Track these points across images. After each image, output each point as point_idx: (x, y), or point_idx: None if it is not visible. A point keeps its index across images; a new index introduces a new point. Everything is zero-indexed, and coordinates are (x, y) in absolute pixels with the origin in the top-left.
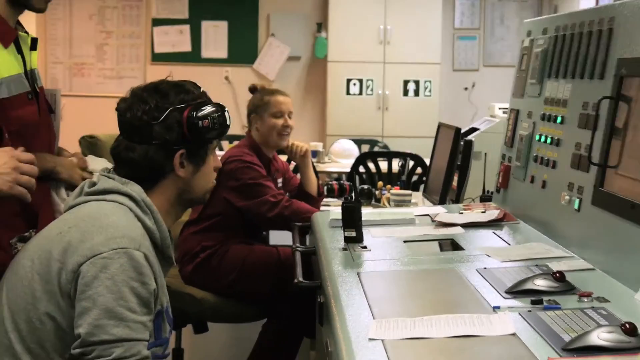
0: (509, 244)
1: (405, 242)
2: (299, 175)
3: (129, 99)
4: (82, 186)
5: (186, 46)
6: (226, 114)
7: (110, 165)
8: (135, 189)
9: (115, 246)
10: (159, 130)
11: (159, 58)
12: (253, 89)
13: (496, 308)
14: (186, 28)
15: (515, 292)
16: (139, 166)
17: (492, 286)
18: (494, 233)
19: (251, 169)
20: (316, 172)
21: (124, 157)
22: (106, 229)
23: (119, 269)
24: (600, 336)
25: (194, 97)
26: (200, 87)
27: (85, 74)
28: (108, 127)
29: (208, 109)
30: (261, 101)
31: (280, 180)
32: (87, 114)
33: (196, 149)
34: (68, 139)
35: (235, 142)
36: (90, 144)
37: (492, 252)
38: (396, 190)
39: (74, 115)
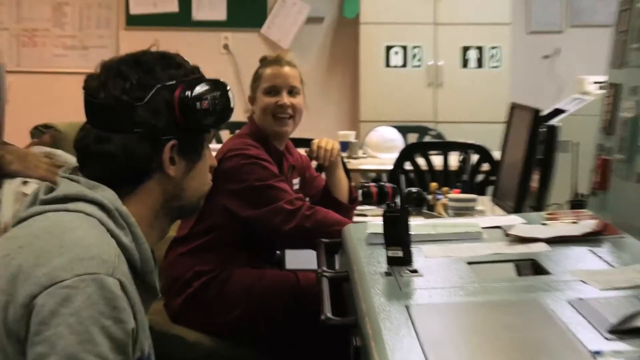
0: (612, 266)
1: (469, 264)
2: (324, 175)
3: (101, 74)
4: (37, 192)
5: (172, 5)
6: (229, 93)
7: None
8: (106, 194)
9: (81, 271)
10: (143, 113)
11: (135, 22)
12: (262, 60)
13: (596, 353)
14: None
15: (621, 331)
16: (116, 162)
17: (590, 323)
18: (590, 251)
19: (258, 166)
20: (347, 171)
21: (94, 151)
22: (69, 248)
23: (86, 301)
24: None
25: (186, 73)
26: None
27: (39, 44)
28: (69, 114)
29: (206, 86)
30: (255, 75)
31: (296, 180)
32: (42, 97)
33: (190, 140)
34: (16, 130)
35: (237, 132)
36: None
37: (589, 276)
38: (455, 194)
39: (24, 98)
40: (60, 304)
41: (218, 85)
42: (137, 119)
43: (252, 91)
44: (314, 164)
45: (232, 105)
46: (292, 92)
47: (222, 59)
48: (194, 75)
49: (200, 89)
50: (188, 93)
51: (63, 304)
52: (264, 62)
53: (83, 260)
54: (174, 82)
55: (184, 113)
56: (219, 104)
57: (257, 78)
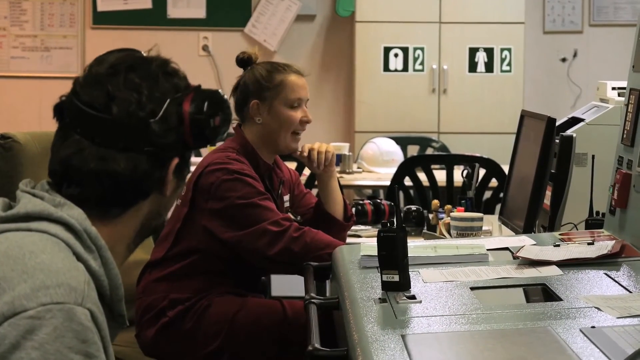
0: (630, 291)
1: (473, 289)
2: (315, 191)
3: (102, 84)
4: None
5: (145, 1)
6: (231, 105)
7: None
8: (73, 213)
9: (47, 300)
10: (155, 131)
11: (103, 19)
12: (245, 60)
13: None
14: None
15: None
16: (119, 183)
17: (604, 353)
18: (606, 275)
19: (241, 183)
20: (341, 188)
21: (95, 170)
22: (32, 274)
23: (52, 334)
24: None
25: (185, 83)
26: None
27: None
28: (30, 122)
29: (217, 100)
30: (270, 80)
31: (287, 197)
32: None
33: (187, 156)
34: None
35: (220, 144)
36: (2, 148)
37: (604, 303)
38: (459, 212)
39: None
40: (23, 336)
41: (223, 99)
42: (149, 136)
43: (265, 99)
44: (303, 179)
45: (232, 119)
46: (306, 105)
47: (200, 61)
48: (189, 85)
49: (211, 103)
50: (200, 108)
51: (26, 336)
52: (273, 66)
53: (49, 287)
54: (179, 94)
55: (195, 130)
56: (226, 119)
57: (276, 85)
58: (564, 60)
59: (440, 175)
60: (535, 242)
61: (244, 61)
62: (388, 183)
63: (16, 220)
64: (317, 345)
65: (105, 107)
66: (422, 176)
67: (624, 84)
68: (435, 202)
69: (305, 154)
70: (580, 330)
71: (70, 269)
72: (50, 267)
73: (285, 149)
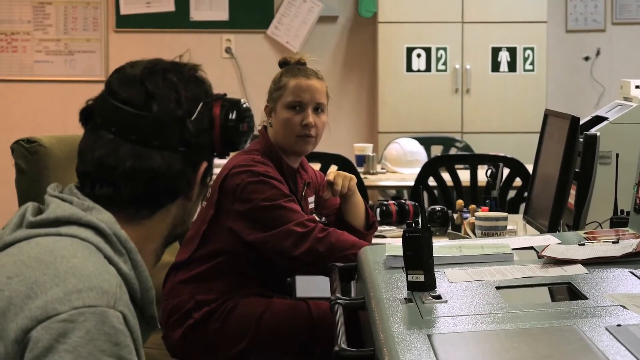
0: None
1: (498, 288)
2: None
3: (138, 82)
4: (23, 213)
5: (168, 4)
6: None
7: None
8: (103, 217)
9: (80, 304)
10: (191, 131)
11: (126, 23)
12: (280, 63)
13: None
14: None
15: None
16: (152, 182)
17: (630, 352)
18: (631, 273)
19: (266, 185)
20: (364, 189)
21: (130, 168)
22: (64, 278)
23: (85, 337)
24: None
25: (211, 89)
26: None
27: (19, 49)
28: (54, 126)
29: (245, 107)
30: (278, 82)
31: (312, 199)
32: (23, 108)
33: (212, 162)
34: None
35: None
36: (28, 152)
37: (629, 301)
38: (484, 212)
39: (3, 110)
40: (56, 340)
41: (248, 108)
42: (184, 136)
43: (271, 101)
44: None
45: (255, 127)
46: (318, 109)
47: (223, 63)
48: (212, 92)
49: (238, 110)
50: (231, 113)
51: (59, 339)
52: (288, 68)
53: (81, 291)
54: (209, 99)
55: (224, 134)
56: (251, 128)
57: (279, 87)
58: (587, 59)
59: (464, 175)
60: (560, 241)
61: (281, 65)
62: (412, 183)
63: (46, 225)
64: (344, 346)
65: (144, 105)
66: (446, 176)
67: None
68: (460, 202)
69: (330, 183)
70: (606, 329)
71: (102, 272)
72: (82, 271)
73: (293, 153)
